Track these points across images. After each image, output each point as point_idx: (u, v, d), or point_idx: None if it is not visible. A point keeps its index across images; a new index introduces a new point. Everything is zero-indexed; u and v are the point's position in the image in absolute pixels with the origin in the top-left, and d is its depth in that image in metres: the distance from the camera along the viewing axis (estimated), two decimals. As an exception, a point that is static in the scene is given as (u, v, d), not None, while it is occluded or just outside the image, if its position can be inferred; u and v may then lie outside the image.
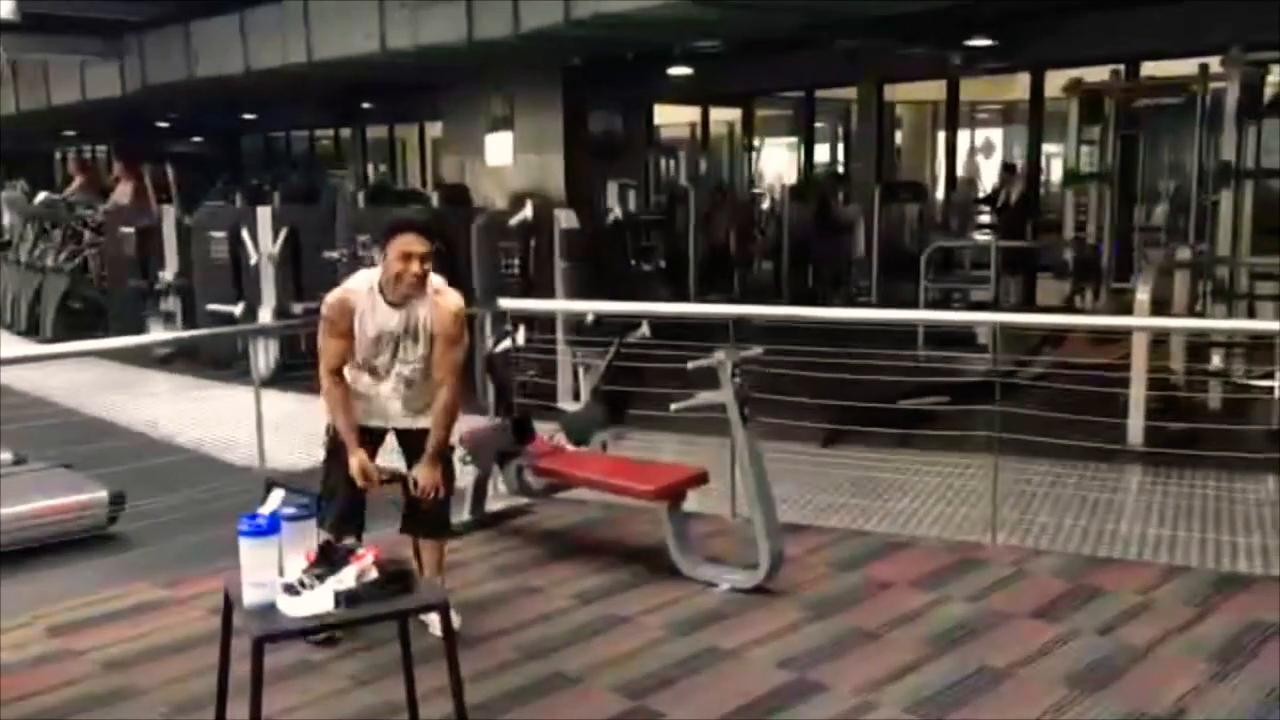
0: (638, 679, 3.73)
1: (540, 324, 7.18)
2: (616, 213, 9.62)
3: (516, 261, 8.53)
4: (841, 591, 4.52)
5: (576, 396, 7.17)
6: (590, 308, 7.22)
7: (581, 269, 8.20)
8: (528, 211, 8.80)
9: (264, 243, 10.12)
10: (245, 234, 10.19)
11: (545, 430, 5.41)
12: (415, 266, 3.69)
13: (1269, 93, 8.38)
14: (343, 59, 10.47)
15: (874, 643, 4.02)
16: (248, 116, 21.08)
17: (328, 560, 2.91)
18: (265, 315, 9.93)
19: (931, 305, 10.56)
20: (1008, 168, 13.40)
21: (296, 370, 9.36)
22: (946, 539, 5.16)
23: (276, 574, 2.87)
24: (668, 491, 4.64)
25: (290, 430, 7.54)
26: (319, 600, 2.82)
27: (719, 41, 11.72)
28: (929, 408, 7.56)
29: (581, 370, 7.15)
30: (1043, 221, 12.81)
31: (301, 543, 2.94)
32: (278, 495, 3.01)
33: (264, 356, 9.05)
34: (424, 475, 3.88)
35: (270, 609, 2.82)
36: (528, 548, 5.00)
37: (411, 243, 3.70)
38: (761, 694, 3.63)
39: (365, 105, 17.91)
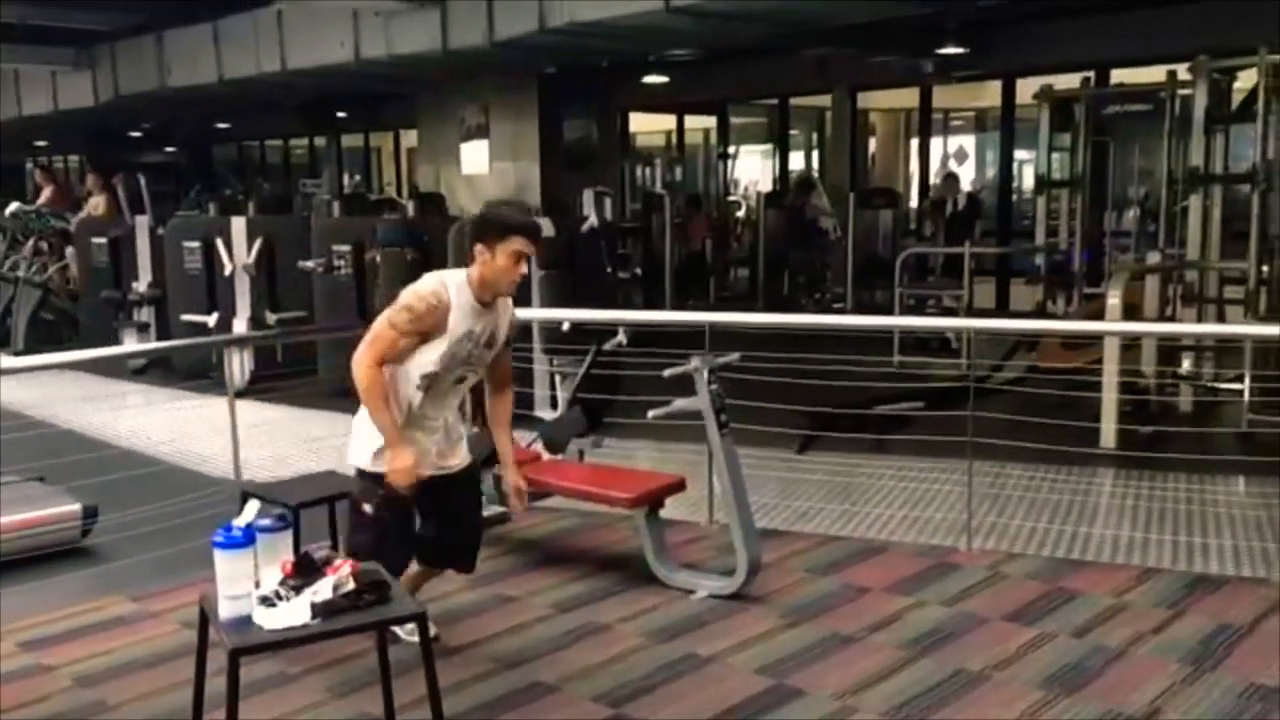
0: (616, 687, 3.73)
1: (518, 333, 7.16)
2: (593, 220, 9.60)
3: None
4: (819, 597, 4.53)
5: (554, 405, 7.16)
6: (566, 316, 7.22)
7: (557, 277, 8.20)
8: (503, 220, 8.78)
9: (238, 252, 10.07)
10: (219, 244, 10.13)
11: (522, 439, 5.40)
12: (524, 268, 3.59)
13: (1236, 99, 8.46)
14: (316, 68, 10.43)
15: (852, 647, 4.04)
16: (221, 126, 20.97)
17: (304, 572, 2.90)
18: (240, 325, 9.88)
19: (906, 311, 10.62)
20: (950, 176, 13.54)
21: (271, 380, 9.36)
22: (923, 544, 5.19)
23: (252, 586, 2.86)
24: (645, 499, 4.65)
25: (266, 441, 7.52)
26: (295, 612, 2.81)
27: (693, 50, 11.77)
28: (904, 413, 7.60)
29: (558, 378, 7.15)
30: (1018, 227, 12.96)
31: (277, 554, 2.93)
32: (253, 507, 3.00)
33: (239, 367, 9.00)
34: (515, 477, 3.81)
35: (246, 622, 2.80)
36: (505, 557, 4.99)
37: (525, 245, 3.56)
38: (740, 700, 3.64)
39: (340, 114, 17.84)
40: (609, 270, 9.80)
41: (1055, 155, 10.36)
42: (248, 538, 2.87)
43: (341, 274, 9.54)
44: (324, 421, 8.38)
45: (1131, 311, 7.22)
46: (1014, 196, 13.85)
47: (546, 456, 5.29)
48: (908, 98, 15.08)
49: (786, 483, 6.09)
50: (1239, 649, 3.94)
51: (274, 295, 10.06)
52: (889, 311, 10.59)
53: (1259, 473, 5.76)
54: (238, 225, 10.27)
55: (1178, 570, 4.78)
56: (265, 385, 9.28)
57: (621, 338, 7.03)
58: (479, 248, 3.55)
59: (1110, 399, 6.67)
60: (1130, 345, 7.20)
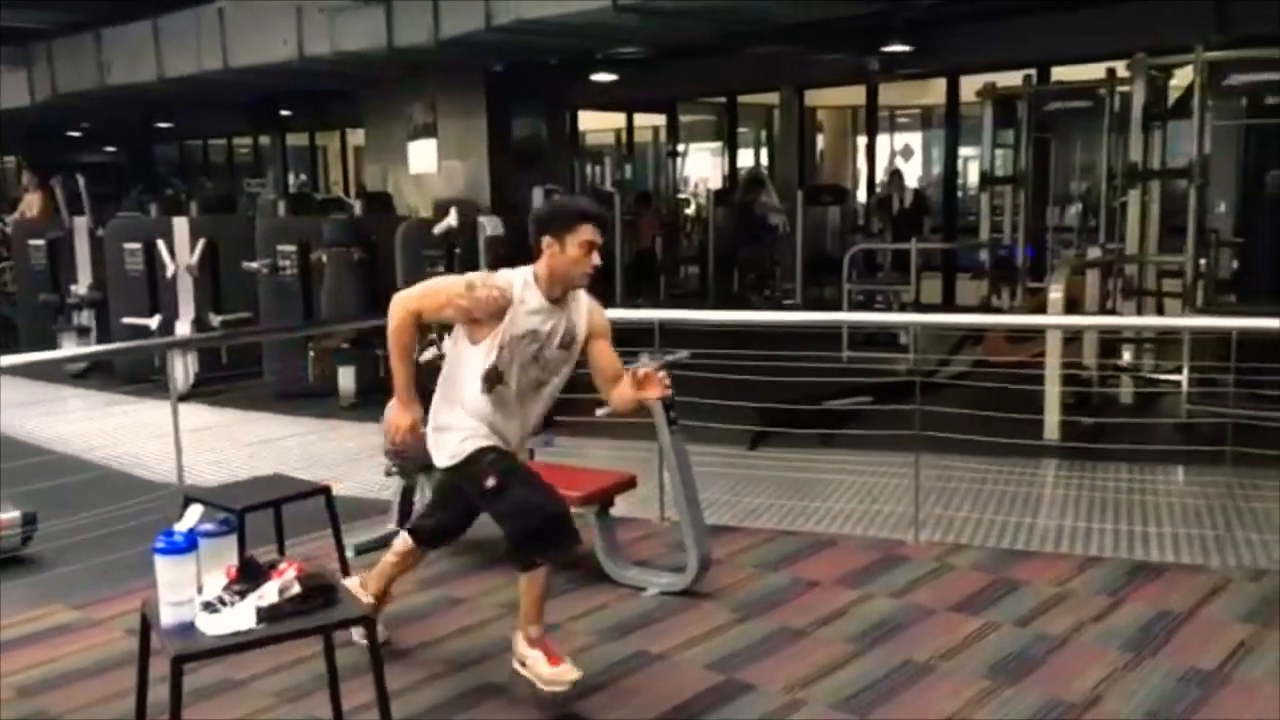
0: (567, 686, 3.72)
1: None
2: (542, 219, 9.61)
3: (441, 269, 8.47)
4: (769, 592, 4.56)
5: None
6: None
7: (507, 276, 8.18)
8: (452, 219, 8.75)
9: (181, 254, 9.92)
10: (161, 245, 9.98)
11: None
12: (596, 258, 3.42)
13: (1173, 96, 8.63)
14: (260, 66, 10.31)
15: (801, 641, 4.07)
16: (162, 125, 20.64)
17: (249, 576, 2.86)
18: (183, 328, 9.73)
19: (855, 307, 10.73)
20: (895, 173, 13.71)
21: (216, 383, 9.24)
22: (871, 537, 5.24)
23: (195, 592, 2.81)
24: (595, 497, 4.65)
25: (211, 445, 7.42)
26: (240, 617, 2.77)
27: (641, 48, 11.79)
28: (853, 408, 7.68)
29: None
30: (964, 223, 13.14)
31: (221, 559, 2.89)
32: (195, 511, 2.96)
33: (182, 370, 8.87)
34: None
35: (189, 628, 2.76)
36: (454, 558, 4.96)
37: (595, 233, 3.41)
38: (691, 696, 3.65)
39: (285, 112, 17.64)
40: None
41: (999, 152, 10.53)
42: (189, 543, 2.83)
43: (287, 275, 9.45)
44: (270, 424, 8.30)
45: (1073, 305, 7.35)
46: (960, 193, 14.04)
47: (496, 456, 5.26)
48: (855, 95, 15.23)
49: (737, 479, 6.12)
50: (1178, 635, 4.02)
51: (218, 297, 9.94)
52: (838, 307, 10.68)
53: (1197, 462, 5.88)
54: (180, 226, 10.13)
55: (1119, 558, 4.87)
56: (210, 388, 9.16)
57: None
58: (546, 240, 3.38)
59: (1053, 391, 6.79)
60: (1072, 338, 7.33)
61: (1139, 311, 8.03)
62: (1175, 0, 9.57)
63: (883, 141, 15.83)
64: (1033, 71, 10.41)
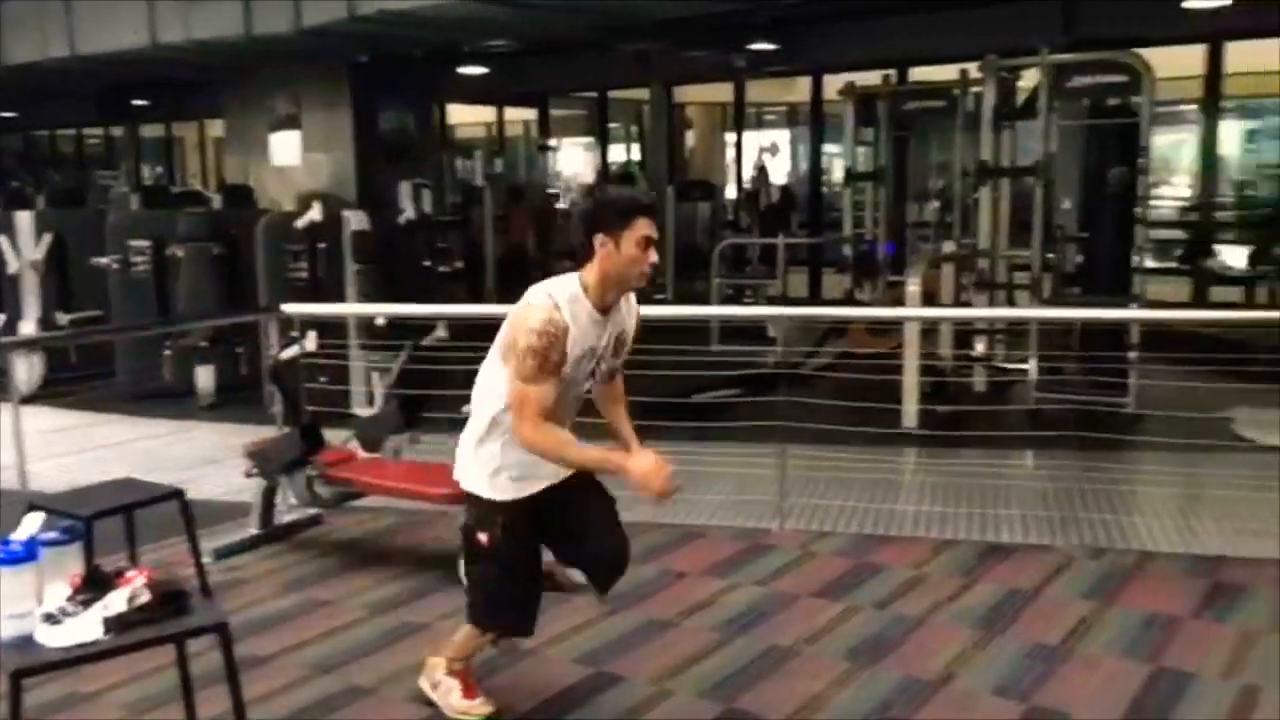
0: (434, 685, 3.69)
1: (332, 329, 6.99)
2: (409, 213, 9.45)
3: (304, 265, 8.26)
4: (637, 584, 4.58)
5: (371, 401, 7.02)
6: (382, 311, 7.08)
7: (373, 271, 8.03)
8: (315, 213, 8.54)
9: (25, 249, 9.44)
10: (3, 240, 9.48)
11: (338, 437, 5.28)
12: (654, 255, 3.09)
13: (1023, 96, 8.99)
14: (109, 54, 9.86)
15: (669, 632, 4.12)
16: (5, 114, 19.57)
17: (94, 586, 2.75)
18: (27, 327, 9.27)
19: (725, 301, 10.89)
20: (761, 170, 13.98)
21: (65, 384, 8.83)
22: (738, 527, 5.34)
23: (35, 603, 2.69)
24: (463, 494, 4.60)
25: (59, 448, 7.08)
26: (84, 628, 2.66)
27: (511, 41, 11.71)
28: (723, 401, 7.79)
29: (376, 375, 7.01)
30: (829, 219, 13.45)
31: (65, 569, 2.77)
32: (35, 519, 2.83)
33: (25, 371, 8.46)
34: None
35: (28, 641, 2.64)
36: (318, 560, 4.87)
37: (651, 227, 3.07)
38: (559, 690, 3.67)
39: (138, 102, 16.92)
40: (428, 264, 9.67)
41: (861, 149, 10.81)
42: (28, 552, 2.71)
43: (140, 271, 9.08)
44: (123, 426, 7.97)
45: (930, 298, 7.61)
46: (825, 189, 14.37)
47: (362, 455, 5.18)
48: (724, 92, 15.44)
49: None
50: (1025, 612, 4.21)
51: (66, 294, 9.49)
52: (708, 301, 10.81)
53: (1045, 446, 6.15)
54: (24, 220, 9.64)
55: (972, 541, 5.07)
56: (58, 389, 8.75)
57: (442, 332, 6.95)
58: (599, 239, 3.04)
59: (911, 381, 7.01)
60: (929, 330, 7.59)
61: (991, 304, 8.35)
62: (1025, 3, 10.00)
63: (751, 138, 16.09)
64: (892, 72, 10.73)
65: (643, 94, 15.71)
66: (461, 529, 3.40)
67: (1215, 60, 11.79)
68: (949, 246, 8.48)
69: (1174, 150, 15.16)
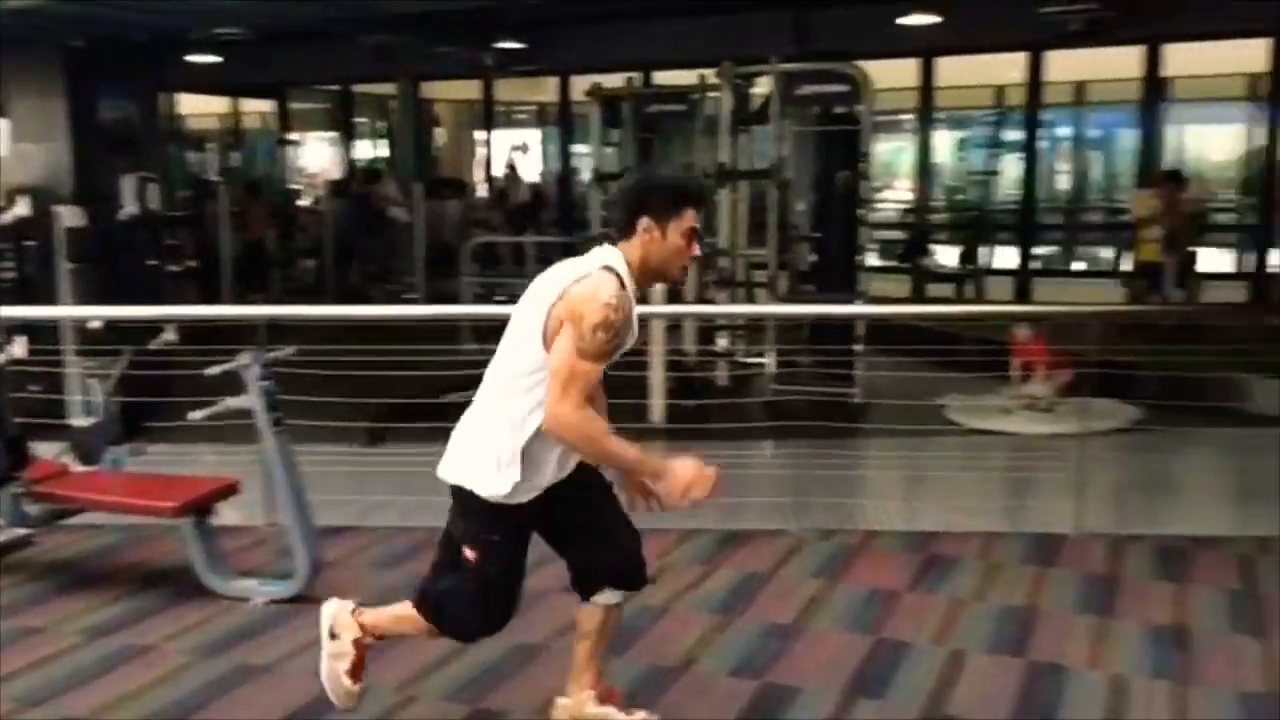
0: (159, 710, 3.48)
1: (46, 333, 6.46)
2: (133, 209, 8.85)
3: (10, 264, 7.59)
4: (384, 590, 4.46)
5: (92, 412, 6.52)
6: (100, 313, 6.60)
7: (90, 271, 7.47)
8: (23, 207, 7.86)
9: None
10: None
11: (51, 450, 4.87)
12: (697, 248, 2.90)
13: (757, 103, 9.41)
14: None
15: (413, 638, 4.04)
16: None
17: None
18: None
19: (477, 300, 10.82)
20: (511, 168, 14.05)
21: None
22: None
23: None
24: (190, 506, 4.36)
25: None
26: None
27: (243, 28, 11.16)
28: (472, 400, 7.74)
29: (95, 383, 6.51)
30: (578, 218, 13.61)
31: None
32: None
33: None
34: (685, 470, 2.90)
35: None
36: (27, 584, 4.48)
37: (699, 218, 2.88)
38: (301, 704, 3.53)
39: None
40: (155, 263, 9.09)
41: (609, 150, 10.99)
42: None
43: None
44: None
45: (674, 295, 7.83)
46: (575, 188, 14.54)
47: (78, 468, 4.81)
48: (474, 90, 15.34)
49: (357, 477, 5.98)
50: (761, 595, 4.42)
51: None
52: (459, 300, 10.70)
53: (782, 436, 6.47)
54: None
55: (713, 529, 5.24)
56: None
57: (171, 335, 6.53)
58: (645, 222, 2.82)
59: (657, 377, 7.21)
60: (674, 326, 7.82)
61: (732, 301, 8.70)
62: (760, 14, 10.48)
63: (502, 137, 16.07)
64: (637, 75, 10.98)
65: (390, 89, 15.38)
66: (443, 537, 3.09)
67: (928, 74, 12.77)
68: (692, 245, 8.76)
69: (896, 156, 16.30)
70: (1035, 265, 12.89)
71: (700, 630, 4.07)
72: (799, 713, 3.47)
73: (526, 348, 2.85)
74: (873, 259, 12.43)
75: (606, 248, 2.88)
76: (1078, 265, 14.00)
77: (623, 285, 2.78)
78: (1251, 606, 4.31)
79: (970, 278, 12.00)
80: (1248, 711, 3.47)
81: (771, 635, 4.04)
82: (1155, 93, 12.18)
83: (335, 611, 3.31)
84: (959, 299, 11.48)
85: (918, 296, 11.56)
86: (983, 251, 13.45)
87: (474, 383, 7.73)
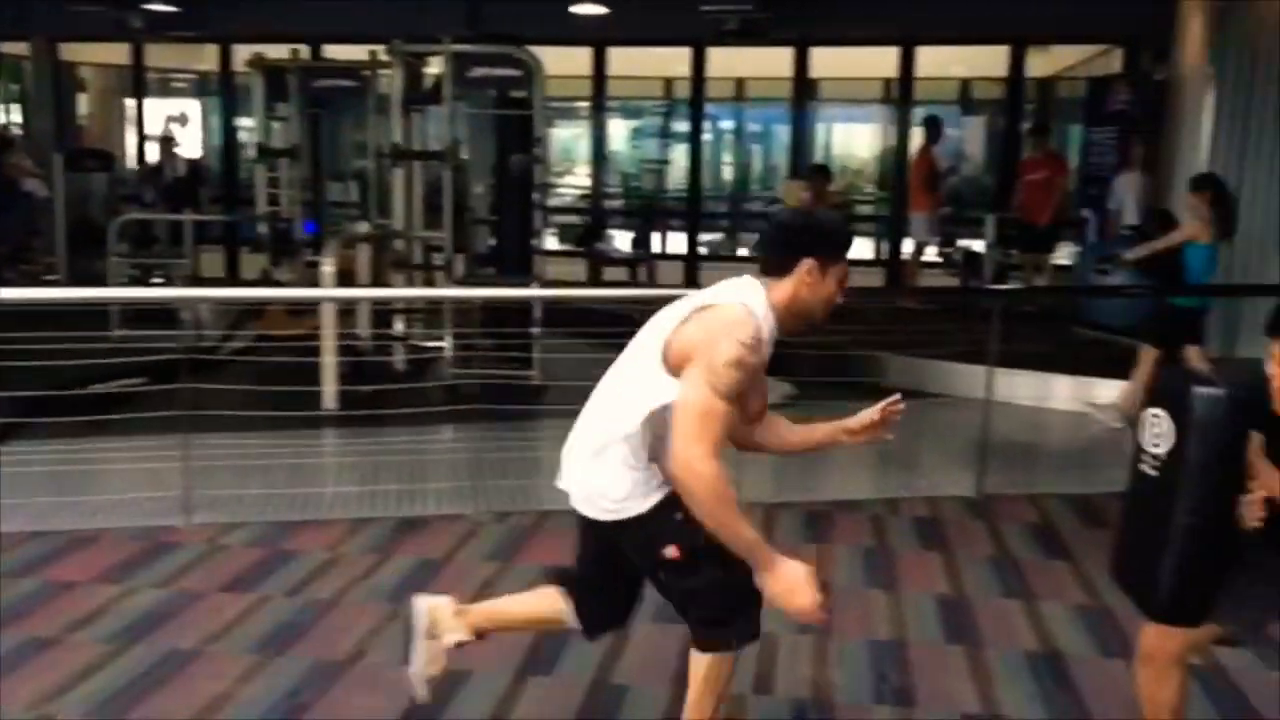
0: None
1: None
2: None
3: None
4: (13, 602, 4.07)
5: None
6: None
7: None
8: None
9: None
10: None
11: None
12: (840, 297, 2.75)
13: (431, 83, 9.24)
14: None
15: (51, 650, 3.70)
16: None
17: None
18: None
19: (133, 281, 9.98)
20: (166, 140, 13.14)
21: None
22: (138, 526, 4.93)
23: None
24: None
25: None
26: None
27: None
28: (124, 390, 7.15)
29: None
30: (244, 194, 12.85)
31: None
32: None
33: None
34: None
35: None
36: None
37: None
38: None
39: None
40: None
41: (276, 124, 10.45)
42: None
43: None
44: None
45: (347, 278, 7.59)
46: (239, 164, 13.72)
47: None
48: (123, 54, 14.09)
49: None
50: (436, 580, 4.37)
51: None
52: (106, 282, 9.82)
53: (460, 420, 6.43)
54: None
55: (388, 517, 5.15)
56: None
57: None
58: (809, 265, 2.65)
59: (330, 362, 6.96)
60: (349, 310, 7.57)
61: (409, 284, 8.53)
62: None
63: (157, 106, 14.88)
64: (304, 47, 10.48)
65: (23, 48, 13.82)
66: (623, 583, 2.96)
67: (600, 63, 13.11)
68: (364, 227, 8.53)
69: (574, 143, 16.65)
70: (702, 250, 13.57)
71: (370, 621, 3.98)
72: (470, 697, 3.48)
73: (647, 368, 2.70)
74: (552, 243, 12.68)
75: (747, 279, 2.74)
76: (741, 251, 14.88)
77: (760, 321, 2.64)
78: (883, 561, 4.78)
79: (643, 262, 12.46)
80: (877, 657, 3.84)
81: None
82: (805, 92, 13.14)
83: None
84: (633, 282, 11.88)
85: (594, 280, 11.84)
86: (655, 237, 14.02)
87: (123, 372, 7.14)
